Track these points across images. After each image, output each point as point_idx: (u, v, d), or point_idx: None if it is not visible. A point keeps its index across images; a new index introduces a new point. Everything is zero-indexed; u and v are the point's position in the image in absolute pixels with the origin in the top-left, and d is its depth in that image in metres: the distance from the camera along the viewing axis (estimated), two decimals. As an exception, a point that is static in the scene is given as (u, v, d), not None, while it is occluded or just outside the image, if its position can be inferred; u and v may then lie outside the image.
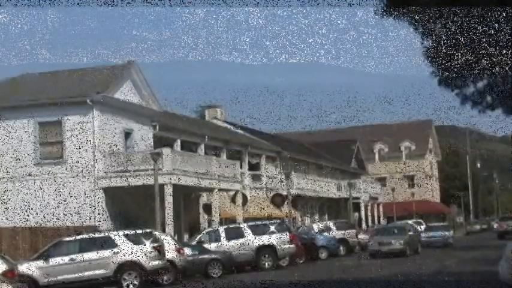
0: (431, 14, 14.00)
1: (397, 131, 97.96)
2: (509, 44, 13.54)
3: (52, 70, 41.98)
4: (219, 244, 34.42)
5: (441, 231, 53.36)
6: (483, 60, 14.62)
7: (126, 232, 26.55)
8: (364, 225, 68.51)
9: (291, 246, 35.24)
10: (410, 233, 42.33)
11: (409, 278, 25.98)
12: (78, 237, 26.49)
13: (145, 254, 25.58)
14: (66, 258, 25.18)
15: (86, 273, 25.01)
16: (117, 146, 37.51)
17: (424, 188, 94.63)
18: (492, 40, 13.27)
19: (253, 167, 54.98)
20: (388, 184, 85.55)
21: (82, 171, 35.95)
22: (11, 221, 35.49)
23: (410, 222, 59.75)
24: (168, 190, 35.56)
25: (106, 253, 25.39)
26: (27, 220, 35.50)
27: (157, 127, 41.38)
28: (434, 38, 14.70)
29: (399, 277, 26.39)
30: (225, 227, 36.87)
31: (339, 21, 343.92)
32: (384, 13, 14.55)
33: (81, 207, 35.71)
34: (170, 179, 35.73)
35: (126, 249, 25.45)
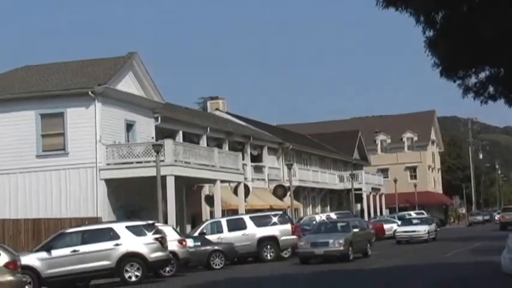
0: (433, 4, 13.96)
1: (399, 122, 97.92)
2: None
3: (53, 62, 41.85)
4: (221, 235, 34.46)
5: (420, 225, 46.54)
6: (485, 51, 14.58)
7: (128, 223, 26.57)
8: (366, 216, 68.58)
9: (293, 237, 35.25)
10: (356, 230, 33.36)
11: (412, 266, 26.08)
12: (81, 228, 26.54)
13: (148, 246, 25.60)
14: (68, 250, 25.20)
15: (88, 265, 25.02)
16: (119, 137, 37.51)
17: (426, 179, 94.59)
18: (494, 30, 13.21)
19: (256, 158, 55.01)
20: (390, 175, 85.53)
21: (84, 162, 35.94)
22: (13, 212, 35.50)
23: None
24: (170, 182, 35.57)
25: (108, 244, 25.40)
26: (30, 212, 35.51)
27: (159, 118, 41.38)
28: (436, 28, 14.66)
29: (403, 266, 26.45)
30: (227, 218, 36.91)
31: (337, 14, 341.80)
32: (386, 4, 14.51)
33: (83, 199, 35.74)
34: (172, 170, 35.74)
35: (128, 241, 25.47)
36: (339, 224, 34.78)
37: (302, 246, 31.65)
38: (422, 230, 45.43)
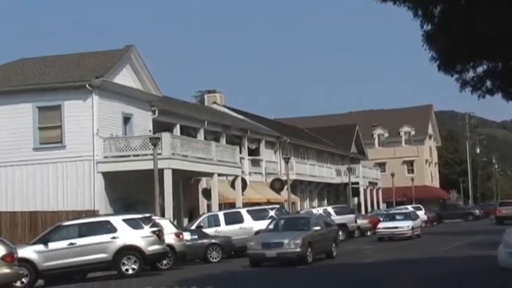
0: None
1: (396, 116, 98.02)
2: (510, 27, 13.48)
3: (50, 55, 41.81)
4: (218, 229, 34.48)
5: (403, 220, 43.39)
6: (483, 45, 14.58)
7: (125, 217, 26.58)
8: (363, 209, 68.69)
9: (290, 231, 35.12)
10: (317, 228, 28.55)
11: (409, 259, 26.15)
12: (78, 221, 26.53)
13: (145, 239, 25.60)
14: (65, 243, 25.20)
15: (85, 258, 25.01)
16: (116, 130, 37.48)
17: (423, 173, 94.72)
18: (493, 25, 13.20)
19: (253, 152, 55.02)
20: (387, 169, 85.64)
21: (81, 155, 35.93)
22: (10, 205, 35.49)
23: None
24: (168, 175, 35.58)
25: (105, 237, 25.40)
26: (27, 204, 35.50)
27: (157, 112, 41.35)
28: (434, 22, 14.64)
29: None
30: (224, 211, 36.95)
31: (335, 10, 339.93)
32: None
33: (80, 192, 35.75)
34: (169, 163, 35.74)
35: (125, 234, 25.47)
36: (299, 221, 30.17)
37: (252, 247, 27.28)
38: (405, 226, 42.43)
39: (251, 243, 27.63)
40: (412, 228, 42.52)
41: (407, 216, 44.76)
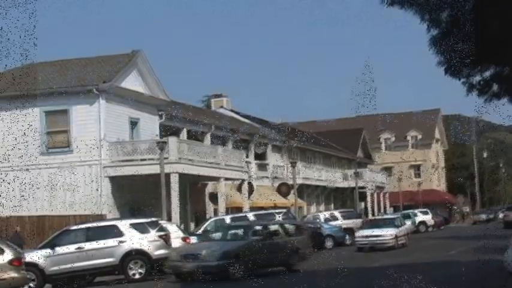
0: (438, 2, 13.96)
1: (403, 120, 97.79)
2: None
3: (58, 59, 41.90)
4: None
5: (385, 227, 38.63)
6: (490, 49, 14.57)
7: (132, 221, 26.64)
8: (370, 214, 68.60)
9: (297, 235, 35.04)
10: (256, 237, 25.25)
11: (417, 265, 26.06)
12: (85, 225, 26.59)
13: (151, 243, 25.64)
14: (72, 247, 25.25)
15: (92, 262, 25.08)
16: (123, 135, 37.54)
17: (430, 178, 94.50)
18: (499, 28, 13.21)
19: (260, 156, 55.00)
20: (394, 173, 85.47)
21: (88, 160, 35.99)
22: (17, 210, 35.57)
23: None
24: (174, 179, 35.61)
25: (112, 242, 25.46)
26: (34, 209, 35.59)
27: (164, 116, 41.40)
28: (441, 26, 14.65)
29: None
30: (231, 216, 36.94)
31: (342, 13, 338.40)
32: (391, 2, 14.48)
33: (88, 196, 35.80)
34: (176, 168, 35.78)
35: (132, 238, 25.52)
36: (241, 230, 26.53)
37: (172, 258, 24.76)
38: (387, 234, 37.70)
39: (173, 253, 25.18)
40: (396, 236, 37.86)
41: (391, 223, 40.04)
